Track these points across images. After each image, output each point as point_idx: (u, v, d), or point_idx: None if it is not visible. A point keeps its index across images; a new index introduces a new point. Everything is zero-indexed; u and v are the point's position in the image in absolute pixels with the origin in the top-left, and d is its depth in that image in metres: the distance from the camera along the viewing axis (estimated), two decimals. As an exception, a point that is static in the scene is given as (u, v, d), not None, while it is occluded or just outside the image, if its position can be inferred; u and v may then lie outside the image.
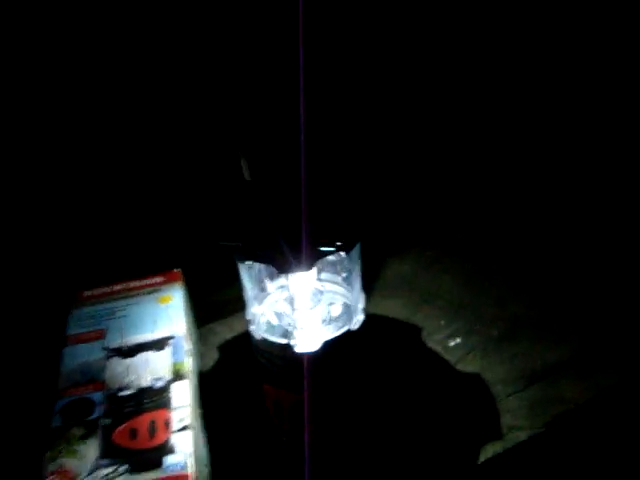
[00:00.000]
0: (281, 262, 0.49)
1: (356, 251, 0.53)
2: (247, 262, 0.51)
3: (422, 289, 0.79)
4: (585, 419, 0.63)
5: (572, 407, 0.63)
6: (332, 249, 0.48)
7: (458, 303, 0.77)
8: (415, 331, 0.73)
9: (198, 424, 0.55)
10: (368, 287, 0.72)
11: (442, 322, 0.74)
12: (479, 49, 0.92)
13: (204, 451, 0.55)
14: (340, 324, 0.55)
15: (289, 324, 0.55)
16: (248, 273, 0.54)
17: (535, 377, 0.66)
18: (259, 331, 0.55)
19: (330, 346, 0.53)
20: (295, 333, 0.54)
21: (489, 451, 0.60)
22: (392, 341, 0.72)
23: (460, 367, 0.69)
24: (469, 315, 0.75)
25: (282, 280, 0.56)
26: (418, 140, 0.93)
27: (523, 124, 0.97)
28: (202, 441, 0.55)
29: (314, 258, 0.49)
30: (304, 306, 0.55)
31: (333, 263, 0.58)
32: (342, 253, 0.50)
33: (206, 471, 0.54)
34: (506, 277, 0.80)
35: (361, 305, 0.56)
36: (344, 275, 0.57)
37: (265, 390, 0.58)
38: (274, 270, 0.52)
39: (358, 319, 0.55)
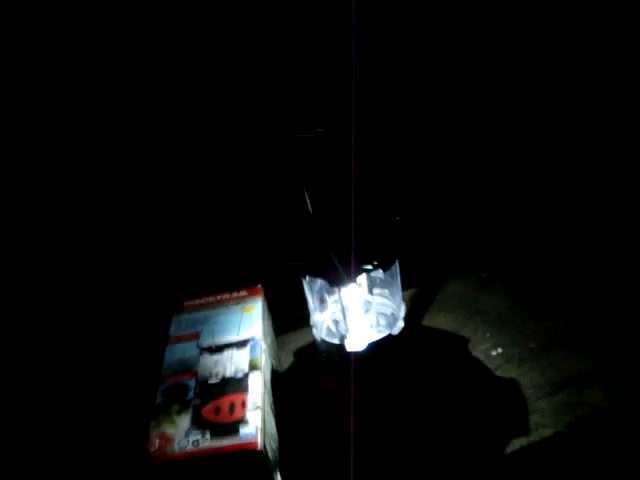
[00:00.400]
0: (332, 277, 0.62)
1: (394, 269, 0.65)
2: (307, 277, 0.65)
3: (473, 306, 0.90)
4: (606, 423, 0.72)
5: (595, 411, 0.72)
6: (370, 267, 0.61)
7: (503, 319, 0.87)
8: (462, 341, 0.84)
9: (268, 408, 0.68)
10: (426, 302, 0.85)
11: (487, 334, 0.85)
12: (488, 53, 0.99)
13: (273, 430, 0.68)
14: (383, 329, 0.68)
15: (343, 329, 0.68)
16: (310, 287, 0.68)
17: (564, 384, 0.76)
18: (320, 335, 0.69)
19: (374, 347, 0.66)
20: (347, 336, 0.67)
21: (516, 444, 0.70)
22: (440, 349, 0.83)
23: (499, 373, 0.79)
24: (512, 330, 0.85)
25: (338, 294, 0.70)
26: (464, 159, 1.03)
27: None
28: (272, 422, 0.69)
29: (357, 274, 0.62)
30: (354, 314, 0.68)
31: (381, 279, 0.71)
32: (380, 270, 0.62)
33: (274, 446, 0.67)
34: (548, 298, 0.89)
35: (402, 314, 0.68)
36: (388, 289, 0.70)
37: (325, 383, 0.72)
38: (329, 285, 0.65)
39: (399, 325, 0.67)
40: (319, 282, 0.69)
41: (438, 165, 0.99)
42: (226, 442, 0.62)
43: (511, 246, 1.00)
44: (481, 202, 1.03)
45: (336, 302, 0.70)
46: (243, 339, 0.74)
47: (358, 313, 0.69)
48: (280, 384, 0.76)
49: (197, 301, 0.83)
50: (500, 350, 0.82)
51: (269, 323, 0.83)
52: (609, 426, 0.72)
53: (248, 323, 0.77)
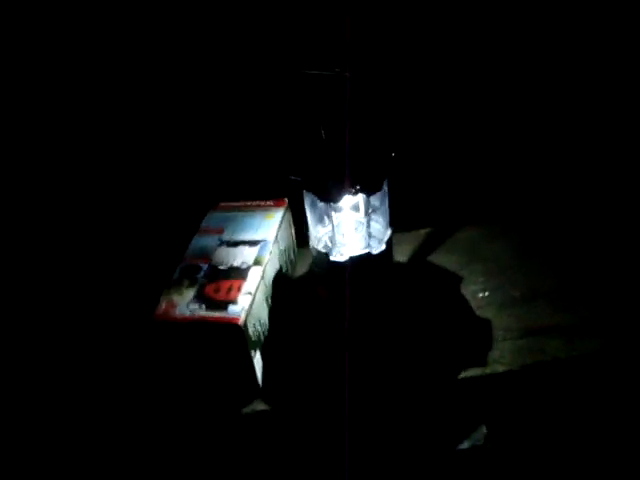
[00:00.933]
0: (322, 194, 0.74)
1: (380, 196, 0.75)
2: (305, 192, 0.77)
3: (477, 253, 0.98)
4: (560, 373, 0.80)
5: (550, 359, 0.80)
6: (353, 190, 0.71)
7: (499, 268, 0.95)
8: (456, 280, 0.93)
9: (261, 297, 0.81)
10: (437, 242, 0.94)
11: (480, 279, 0.93)
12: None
13: (263, 317, 0.81)
14: (369, 248, 0.79)
15: (332, 243, 0.79)
16: (310, 202, 0.79)
17: (532, 332, 0.84)
18: (314, 245, 0.81)
19: (354, 261, 0.77)
20: (334, 248, 0.79)
21: (470, 373, 0.80)
22: (433, 283, 0.93)
23: (478, 313, 0.88)
24: (502, 278, 0.93)
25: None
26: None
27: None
28: (263, 311, 0.82)
29: (342, 194, 0.72)
30: (346, 231, 0.79)
31: (373, 206, 0.81)
32: (363, 195, 0.73)
33: (260, 330, 0.80)
34: (546, 255, 0.96)
35: (385, 238, 0.79)
36: (377, 214, 0.80)
37: (318, 288, 0.84)
38: (318, 199, 0.76)
39: (380, 247, 0.78)
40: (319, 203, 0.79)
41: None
42: (216, 314, 0.75)
43: (526, 201, 1.06)
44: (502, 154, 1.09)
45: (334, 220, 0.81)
46: (256, 239, 0.87)
47: (349, 231, 0.80)
48: (284, 285, 0.88)
49: (231, 204, 0.96)
50: (487, 294, 0.90)
51: (289, 232, 0.95)
52: (562, 377, 0.80)
53: (265, 227, 0.89)
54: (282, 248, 0.91)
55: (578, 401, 0.81)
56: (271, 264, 0.86)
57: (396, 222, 0.84)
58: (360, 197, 0.77)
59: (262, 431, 0.79)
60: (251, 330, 0.77)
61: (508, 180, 1.08)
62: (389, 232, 0.80)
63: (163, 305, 0.78)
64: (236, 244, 0.87)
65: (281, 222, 0.91)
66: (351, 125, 0.73)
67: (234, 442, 0.80)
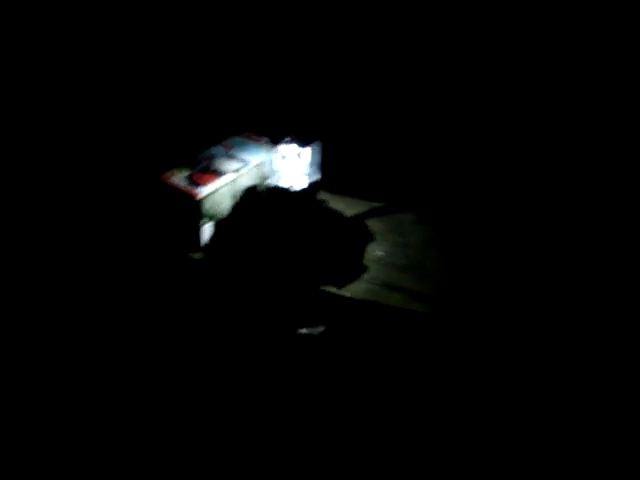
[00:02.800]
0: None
1: (309, 151, 1.17)
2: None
3: (397, 228, 1.35)
4: (385, 316, 1.17)
5: (383, 304, 1.18)
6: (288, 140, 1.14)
7: (404, 244, 1.31)
8: (367, 237, 1.31)
9: (226, 191, 1.24)
10: (373, 214, 1.33)
11: (386, 244, 1.31)
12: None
13: (223, 204, 1.25)
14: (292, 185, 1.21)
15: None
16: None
17: (389, 287, 1.21)
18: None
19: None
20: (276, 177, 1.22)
21: (329, 288, 1.20)
22: (348, 232, 1.32)
23: (364, 261, 1.26)
24: (401, 251, 1.29)
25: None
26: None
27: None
28: (227, 200, 1.26)
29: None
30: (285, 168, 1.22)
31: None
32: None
33: (217, 211, 1.25)
34: (447, 247, 1.30)
35: (308, 180, 1.20)
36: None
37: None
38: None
39: (300, 186, 1.20)
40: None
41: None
42: (187, 188, 1.22)
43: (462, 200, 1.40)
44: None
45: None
46: (245, 159, 1.31)
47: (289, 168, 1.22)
48: (252, 193, 1.32)
49: (247, 134, 1.41)
50: (382, 254, 1.28)
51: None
52: (384, 321, 1.16)
53: (256, 154, 1.33)
54: (264, 171, 1.34)
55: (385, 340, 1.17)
56: (247, 177, 1.29)
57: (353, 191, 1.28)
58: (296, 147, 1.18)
59: (196, 275, 1.25)
60: (206, 206, 1.22)
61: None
62: (315, 176, 1.20)
63: (167, 174, 1.25)
64: (232, 157, 1.32)
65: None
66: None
67: (176, 277, 1.25)
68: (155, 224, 1.27)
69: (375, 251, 1.28)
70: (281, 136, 1.15)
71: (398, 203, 1.41)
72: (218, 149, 1.34)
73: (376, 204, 1.41)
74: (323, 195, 1.38)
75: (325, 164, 1.29)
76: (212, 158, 1.31)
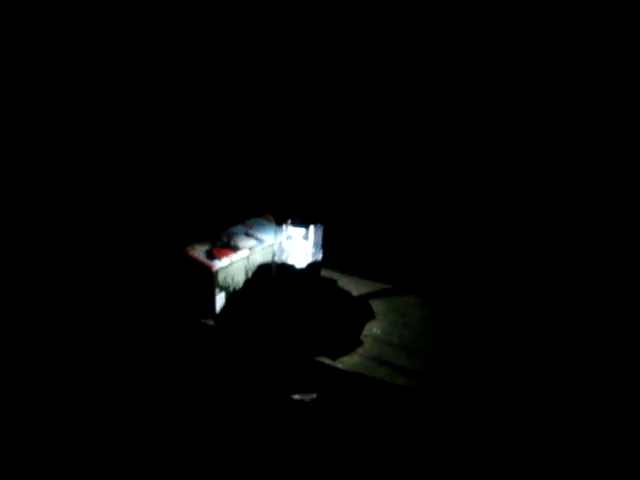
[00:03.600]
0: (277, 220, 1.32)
1: (313, 231, 1.31)
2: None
3: (397, 308, 1.45)
4: (371, 388, 1.27)
5: (370, 377, 1.27)
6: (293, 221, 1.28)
7: (402, 324, 1.41)
8: (368, 314, 1.42)
9: (241, 266, 1.39)
10: (375, 295, 1.44)
11: (384, 323, 1.41)
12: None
13: (237, 277, 1.40)
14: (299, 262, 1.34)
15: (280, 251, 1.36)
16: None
17: (379, 361, 1.31)
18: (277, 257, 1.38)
19: (286, 265, 1.33)
20: (282, 255, 1.36)
21: (324, 359, 1.31)
22: (349, 308, 1.43)
23: (361, 336, 1.37)
24: (397, 331, 1.39)
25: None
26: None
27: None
28: (240, 276, 1.40)
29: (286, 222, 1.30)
30: (291, 248, 1.36)
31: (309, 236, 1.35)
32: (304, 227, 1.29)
33: (231, 284, 1.40)
34: (442, 331, 1.39)
35: (312, 258, 1.33)
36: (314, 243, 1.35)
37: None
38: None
39: (305, 263, 1.33)
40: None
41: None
42: (205, 261, 1.37)
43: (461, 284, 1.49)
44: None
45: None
46: (261, 238, 1.46)
47: (294, 247, 1.36)
48: (264, 269, 1.46)
49: (266, 215, 1.56)
50: (378, 332, 1.38)
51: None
52: (369, 392, 1.26)
53: (270, 234, 1.48)
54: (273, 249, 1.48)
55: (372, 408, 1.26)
56: (260, 254, 1.44)
57: (356, 270, 1.42)
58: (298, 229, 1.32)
59: (207, 338, 1.38)
60: (220, 278, 1.36)
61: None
62: (318, 255, 1.33)
63: (189, 247, 1.41)
64: (250, 236, 1.47)
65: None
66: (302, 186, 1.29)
67: (189, 341, 1.39)
68: (176, 291, 1.42)
69: (373, 328, 1.38)
70: (284, 217, 1.28)
71: (402, 285, 1.51)
72: (239, 228, 1.49)
73: (383, 285, 1.51)
74: (333, 274, 1.50)
75: (334, 243, 1.42)
76: (232, 235, 1.46)
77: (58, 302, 1.50)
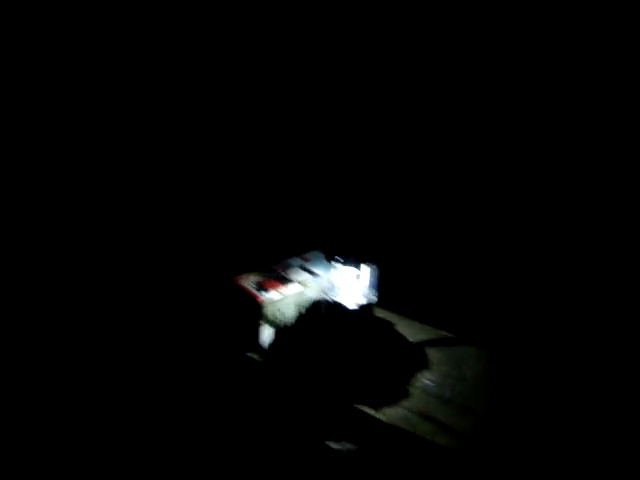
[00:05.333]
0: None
1: (367, 272, 1.25)
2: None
3: (455, 361, 1.35)
4: (412, 443, 1.18)
5: (410, 431, 1.19)
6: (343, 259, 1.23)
7: (457, 378, 1.31)
8: (422, 363, 1.33)
9: (291, 301, 1.35)
10: (433, 343, 1.36)
11: (438, 375, 1.32)
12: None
13: (287, 312, 1.35)
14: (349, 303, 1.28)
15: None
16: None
17: (423, 416, 1.22)
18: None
19: (337, 305, 1.28)
20: (331, 294, 1.30)
21: (365, 409, 1.23)
22: (403, 356, 1.35)
23: (410, 388, 1.28)
24: (451, 384, 1.29)
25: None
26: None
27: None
28: (290, 309, 1.36)
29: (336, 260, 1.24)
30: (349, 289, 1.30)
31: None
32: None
33: (279, 318, 1.35)
34: (498, 388, 1.28)
35: (365, 299, 1.27)
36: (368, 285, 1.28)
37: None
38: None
39: (357, 304, 1.27)
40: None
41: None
42: (254, 291, 1.34)
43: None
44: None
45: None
46: (317, 273, 1.41)
47: (344, 286, 1.30)
48: (316, 305, 1.40)
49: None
50: (431, 384, 1.29)
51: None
52: (411, 448, 1.17)
53: (326, 271, 1.43)
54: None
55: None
56: (314, 291, 1.39)
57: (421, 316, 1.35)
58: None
59: (253, 375, 1.34)
60: (269, 311, 1.32)
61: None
62: (372, 298, 1.27)
63: (242, 277, 1.38)
64: (305, 269, 1.42)
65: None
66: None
67: (233, 377, 1.36)
68: (224, 321, 1.39)
69: (424, 379, 1.28)
70: (337, 255, 1.23)
71: (464, 334, 1.40)
72: (296, 260, 1.45)
73: (442, 333, 1.42)
74: (392, 316, 1.43)
75: (398, 284, 1.37)
76: (287, 268, 1.41)
77: (102, 326, 1.51)
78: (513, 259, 1.45)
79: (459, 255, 1.49)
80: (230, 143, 1.67)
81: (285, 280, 1.37)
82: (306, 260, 1.45)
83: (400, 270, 1.48)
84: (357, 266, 1.24)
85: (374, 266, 1.25)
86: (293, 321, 1.35)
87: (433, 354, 1.36)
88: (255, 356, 1.33)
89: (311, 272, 1.40)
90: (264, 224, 1.70)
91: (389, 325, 1.42)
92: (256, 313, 1.31)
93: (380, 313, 1.44)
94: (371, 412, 1.21)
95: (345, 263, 1.23)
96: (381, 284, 1.28)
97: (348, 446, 1.20)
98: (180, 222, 1.71)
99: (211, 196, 1.71)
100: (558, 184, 1.34)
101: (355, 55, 1.48)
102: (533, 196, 1.39)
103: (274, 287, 1.34)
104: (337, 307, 1.27)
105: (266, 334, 1.33)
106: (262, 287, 1.34)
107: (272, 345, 1.33)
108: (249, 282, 1.35)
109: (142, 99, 1.60)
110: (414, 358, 1.34)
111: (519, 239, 1.43)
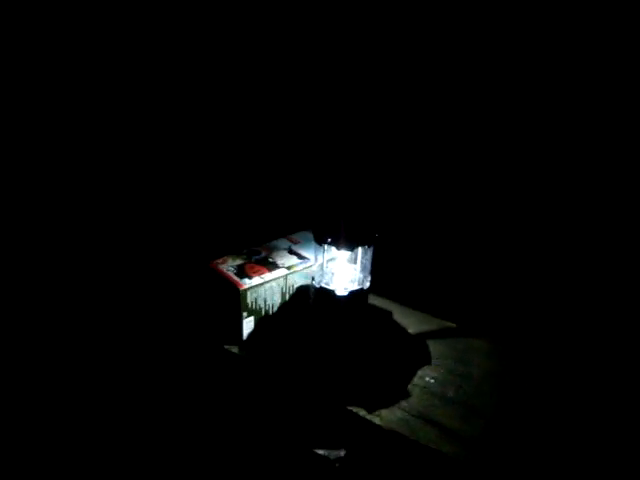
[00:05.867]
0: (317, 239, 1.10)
1: (364, 255, 1.08)
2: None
3: (457, 354, 1.20)
4: (411, 449, 1.03)
5: (410, 438, 1.03)
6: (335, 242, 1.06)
7: (462, 375, 1.15)
8: (424, 360, 1.18)
9: (275, 285, 1.18)
10: (435, 334, 1.20)
11: (441, 371, 1.16)
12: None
13: (271, 299, 1.19)
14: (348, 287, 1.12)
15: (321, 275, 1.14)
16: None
17: (425, 419, 1.06)
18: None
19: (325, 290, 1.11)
20: (321, 279, 1.14)
21: (359, 410, 1.08)
22: (402, 347, 1.19)
23: (409, 386, 1.13)
24: (453, 381, 1.13)
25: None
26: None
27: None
28: (275, 296, 1.20)
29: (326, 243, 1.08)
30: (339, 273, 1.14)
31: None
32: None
33: (261, 305, 1.19)
34: (504, 386, 1.12)
35: (355, 286, 1.11)
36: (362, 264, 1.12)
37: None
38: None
39: (348, 291, 1.10)
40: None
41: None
42: (234, 277, 1.18)
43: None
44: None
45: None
46: (306, 256, 1.25)
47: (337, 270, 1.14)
48: (302, 291, 1.24)
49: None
50: (431, 381, 1.13)
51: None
52: (410, 453, 1.02)
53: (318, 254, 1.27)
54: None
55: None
56: (301, 275, 1.23)
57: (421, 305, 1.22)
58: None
59: (229, 367, 1.19)
60: (249, 299, 1.16)
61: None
62: (365, 283, 1.11)
63: (219, 260, 1.22)
64: (293, 252, 1.26)
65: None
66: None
67: (212, 367, 1.20)
68: (201, 310, 1.23)
69: (426, 377, 1.13)
70: (325, 236, 1.07)
71: (470, 326, 1.25)
72: (283, 241, 1.29)
73: (447, 323, 1.26)
74: (391, 305, 1.29)
75: (398, 266, 1.27)
76: (273, 250, 1.26)
77: (64, 314, 1.35)
78: (525, 243, 1.28)
79: (465, 234, 1.32)
80: (213, 122, 1.50)
81: (269, 264, 1.22)
82: (294, 242, 1.29)
83: (399, 252, 1.32)
84: (349, 248, 1.08)
85: (368, 247, 1.08)
86: (276, 309, 1.19)
87: (435, 348, 1.21)
88: (235, 349, 1.17)
89: (299, 255, 1.25)
90: (247, 200, 1.53)
91: (386, 314, 1.27)
92: (235, 301, 1.15)
93: (376, 300, 1.29)
94: (364, 414, 1.05)
95: (335, 245, 1.07)
96: (377, 268, 1.12)
97: (337, 453, 1.05)
98: (153, 196, 1.54)
99: (190, 169, 1.53)
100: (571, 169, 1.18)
101: (349, 52, 1.32)
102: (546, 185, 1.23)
103: (256, 272, 1.18)
104: (326, 294, 1.11)
105: (247, 325, 1.17)
106: (243, 272, 1.18)
107: (253, 336, 1.18)
108: (228, 266, 1.20)
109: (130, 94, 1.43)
110: (414, 352, 1.20)
111: (537, 224, 1.27)
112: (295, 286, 1.22)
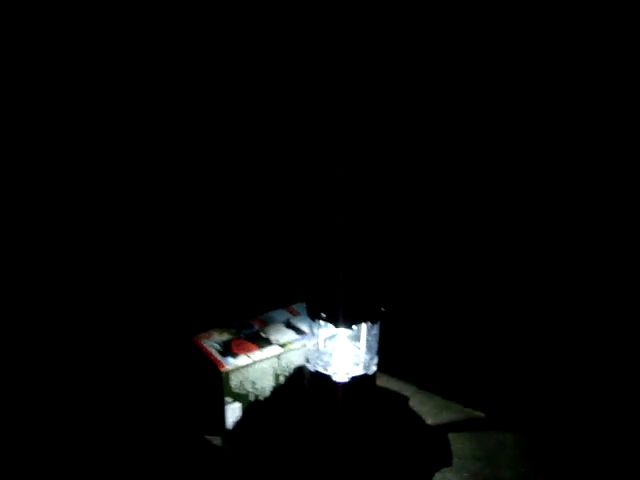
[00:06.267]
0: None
1: (369, 333, 0.90)
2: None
3: (474, 434, 0.99)
4: None
5: None
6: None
7: (494, 476, 0.95)
8: (440, 461, 0.97)
9: (267, 366, 1.00)
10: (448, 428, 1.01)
11: (464, 476, 0.95)
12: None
13: (261, 382, 1.00)
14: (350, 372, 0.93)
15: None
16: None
17: None
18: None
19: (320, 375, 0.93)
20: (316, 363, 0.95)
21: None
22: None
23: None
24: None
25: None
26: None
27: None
28: (266, 379, 1.01)
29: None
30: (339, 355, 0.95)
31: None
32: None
33: (250, 391, 1.01)
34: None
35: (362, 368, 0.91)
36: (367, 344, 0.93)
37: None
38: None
39: (349, 376, 0.91)
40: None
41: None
42: (217, 357, 1.00)
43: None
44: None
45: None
46: (305, 332, 1.06)
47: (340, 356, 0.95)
48: (299, 374, 1.06)
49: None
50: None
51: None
52: None
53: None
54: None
55: None
56: (298, 354, 1.04)
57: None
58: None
59: (212, 462, 1.00)
60: (234, 382, 0.98)
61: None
62: (371, 367, 0.92)
63: (204, 334, 1.05)
64: (291, 327, 1.08)
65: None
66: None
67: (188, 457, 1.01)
68: (177, 394, 1.06)
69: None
70: (319, 310, 0.89)
71: (505, 416, 1.04)
72: (281, 313, 1.11)
73: (474, 412, 1.05)
74: (406, 388, 1.10)
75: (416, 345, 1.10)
76: (268, 322, 1.08)
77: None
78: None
79: (490, 305, 1.13)
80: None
81: (261, 340, 1.04)
82: (294, 314, 1.11)
83: (414, 327, 1.12)
84: (349, 325, 0.89)
85: (373, 324, 0.90)
86: (268, 394, 1.01)
87: (458, 444, 1.00)
88: (216, 440, 0.98)
89: (298, 330, 1.06)
90: (243, 263, 1.36)
91: (399, 400, 1.06)
92: (217, 385, 0.97)
93: (387, 383, 1.09)
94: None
95: (332, 320, 0.88)
96: (387, 341, 0.93)
97: None
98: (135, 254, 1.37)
99: (181, 218, 1.37)
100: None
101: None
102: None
103: (244, 349, 1.01)
104: (322, 380, 0.92)
105: (233, 412, 0.98)
106: (228, 349, 1.00)
107: (239, 426, 0.99)
108: (212, 342, 1.02)
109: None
110: (432, 449, 0.99)
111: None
112: (292, 367, 1.03)
